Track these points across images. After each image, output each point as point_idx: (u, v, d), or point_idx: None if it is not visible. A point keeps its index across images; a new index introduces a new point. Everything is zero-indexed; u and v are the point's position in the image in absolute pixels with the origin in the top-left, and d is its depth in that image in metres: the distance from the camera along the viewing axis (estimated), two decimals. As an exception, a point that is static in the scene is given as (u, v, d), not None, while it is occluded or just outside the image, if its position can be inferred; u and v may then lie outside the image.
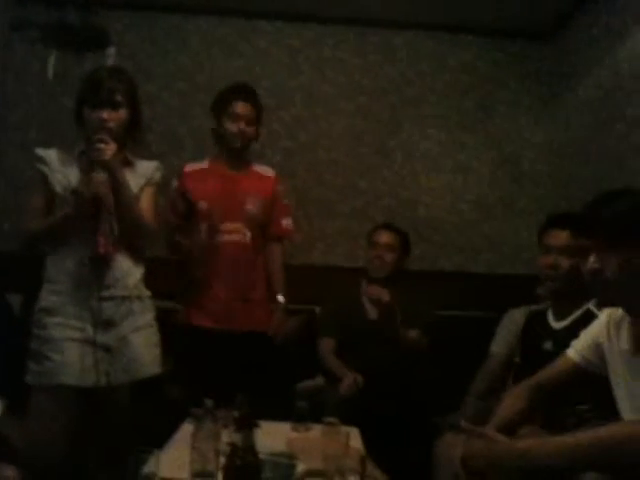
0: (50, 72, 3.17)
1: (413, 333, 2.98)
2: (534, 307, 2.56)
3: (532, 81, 3.91)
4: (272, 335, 2.84)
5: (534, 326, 2.42)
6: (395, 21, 3.83)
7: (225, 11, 3.78)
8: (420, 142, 3.87)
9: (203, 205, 2.79)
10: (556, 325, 2.28)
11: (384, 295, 3.02)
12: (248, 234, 2.80)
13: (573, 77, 3.57)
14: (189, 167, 2.91)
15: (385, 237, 3.16)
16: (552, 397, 1.94)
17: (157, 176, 2.37)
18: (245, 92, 2.87)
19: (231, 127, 2.81)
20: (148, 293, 2.32)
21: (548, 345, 2.24)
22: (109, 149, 2.10)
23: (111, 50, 3.00)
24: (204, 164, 2.92)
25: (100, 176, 2.08)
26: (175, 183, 2.88)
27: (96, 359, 2.11)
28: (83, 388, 2.11)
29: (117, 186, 2.13)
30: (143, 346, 2.24)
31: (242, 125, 2.80)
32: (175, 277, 2.88)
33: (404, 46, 3.89)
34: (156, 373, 2.29)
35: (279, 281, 2.91)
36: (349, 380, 2.83)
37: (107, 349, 2.15)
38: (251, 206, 2.82)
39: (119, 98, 2.18)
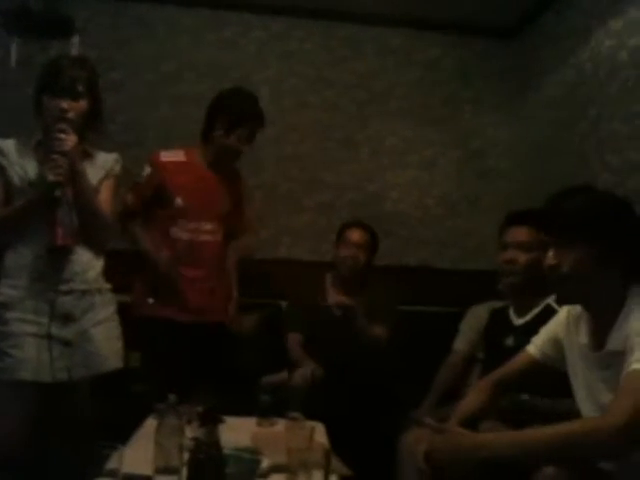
0: (13, 60, 3.09)
1: (377, 329, 2.99)
2: (497, 304, 2.60)
3: (497, 78, 3.95)
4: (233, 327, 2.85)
5: (496, 322, 2.46)
6: (363, 16, 3.83)
7: (192, 1, 3.74)
8: (386, 137, 3.89)
9: (179, 202, 2.71)
10: (517, 321, 2.32)
11: (348, 301, 3.00)
12: (221, 233, 2.79)
13: (538, 75, 3.62)
14: (165, 156, 2.79)
15: (357, 235, 3.12)
16: (512, 392, 1.99)
17: (117, 168, 2.32)
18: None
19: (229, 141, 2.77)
20: (108, 286, 2.29)
21: (509, 341, 2.28)
22: (70, 140, 2.05)
23: (76, 38, 2.94)
24: (180, 155, 2.81)
25: (57, 165, 2.03)
26: (148, 170, 2.78)
27: (56, 354, 2.08)
28: (43, 383, 2.07)
29: (76, 177, 2.09)
30: (104, 340, 2.21)
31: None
32: (135, 269, 2.83)
33: (371, 41, 3.90)
34: (118, 367, 2.26)
35: (235, 276, 2.97)
36: (304, 371, 2.83)
37: (67, 343, 2.12)
38: (226, 206, 2.81)
39: (80, 88, 2.12)
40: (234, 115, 2.74)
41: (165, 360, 2.63)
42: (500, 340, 2.32)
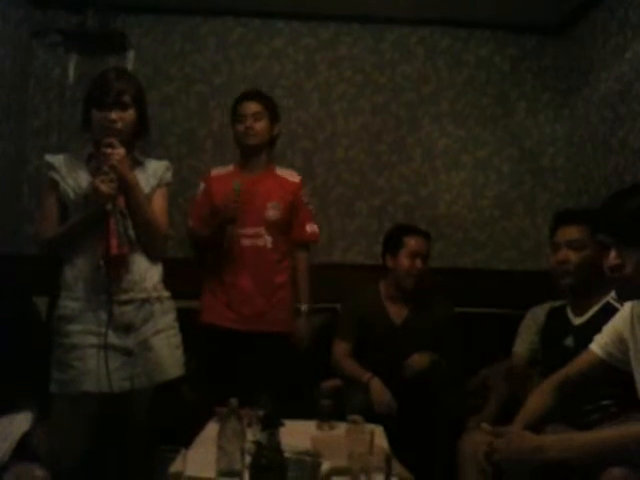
0: (71, 77, 3.19)
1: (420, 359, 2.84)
2: (555, 304, 2.55)
3: (550, 76, 3.88)
4: (296, 342, 2.86)
5: (554, 322, 2.42)
6: (411, 18, 3.82)
7: (241, 12, 3.79)
8: (438, 139, 3.86)
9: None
10: (575, 321, 2.27)
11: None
12: (269, 239, 2.80)
13: (591, 71, 3.54)
14: (215, 171, 2.95)
15: (421, 244, 2.96)
16: (577, 393, 1.95)
17: (168, 176, 2.36)
18: (249, 93, 2.93)
19: (238, 127, 2.85)
20: (167, 294, 2.31)
21: (569, 341, 2.23)
22: (117, 153, 2.10)
23: (131, 53, 3.03)
24: (229, 168, 2.94)
25: (109, 178, 2.08)
26: (202, 186, 2.93)
27: (117, 364, 2.12)
28: (106, 394, 2.10)
29: (127, 188, 2.13)
30: (165, 349, 2.23)
31: (249, 122, 2.81)
32: (195, 277, 2.90)
33: (420, 43, 3.88)
34: (178, 375, 2.28)
35: (303, 288, 2.92)
36: (389, 400, 2.70)
37: (128, 353, 2.15)
38: (272, 211, 2.82)
39: (126, 99, 2.17)
40: (231, 111, 2.93)
41: (224, 367, 2.68)
42: (559, 340, 2.28)
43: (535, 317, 2.77)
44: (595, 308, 2.20)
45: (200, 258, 2.95)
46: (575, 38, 3.75)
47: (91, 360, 2.10)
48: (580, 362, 1.88)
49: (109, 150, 2.10)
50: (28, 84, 3.63)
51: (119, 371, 2.12)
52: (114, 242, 2.10)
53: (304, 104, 3.79)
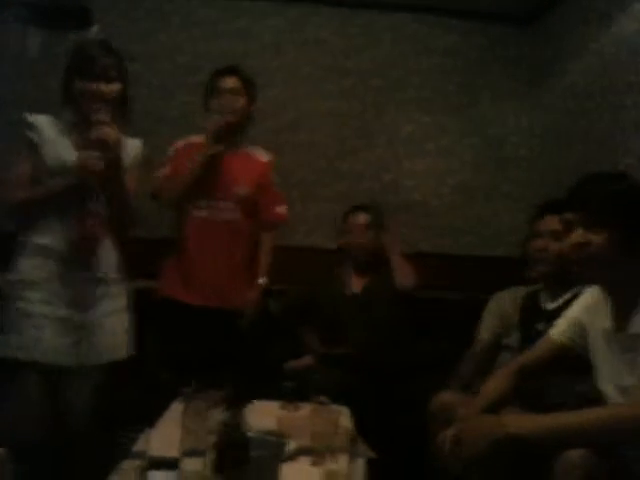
0: (33, 51, 3.11)
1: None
2: (521, 290, 2.60)
3: (516, 65, 3.92)
4: (244, 314, 2.81)
5: (528, 307, 2.47)
6: (379, 3, 3.81)
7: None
8: (403, 125, 3.87)
9: None
10: (548, 306, 2.32)
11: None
12: (237, 215, 2.78)
13: (558, 62, 3.58)
14: (195, 137, 2.85)
15: (361, 218, 3.21)
16: (535, 378, 1.98)
17: (144, 153, 2.36)
18: (230, 68, 2.86)
19: (216, 102, 2.79)
20: (123, 276, 2.30)
21: (540, 326, 2.27)
22: (113, 130, 2.07)
23: (94, 29, 2.95)
24: (199, 138, 2.82)
25: (96, 154, 2.04)
26: (174, 147, 2.87)
27: (72, 339, 2.11)
28: (57, 366, 2.09)
29: (114, 169, 2.10)
30: (116, 329, 2.23)
31: (227, 98, 2.77)
32: (153, 256, 2.85)
33: (388, 28, 3.87)
34: (127, 356, 2.27)
35: (265, 264, 2.89)
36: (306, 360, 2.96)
37: (80, 329, 2.13)
38: (241, 188, 2.79)
39: (113, 72, 2.15)
40: (206, 86, 2.86)
41: (186, 344, 2.65)
42: (532, 324, 2.33)
43: (499, 302, 2.81)
44: (568, 295, 2.24)
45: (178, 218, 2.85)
46: (542, 29, 3.79)
47: (48, 331, 2.08)
48: (539, 348, 1.91)
49: (105, 127, 2.06)
50: (-14, 56, 3.52)
51: (69, 346, 2.11)
52: (90, 221, 2.09)
53: (270, 84, 3.73)
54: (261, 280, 2.86)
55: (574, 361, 1.85)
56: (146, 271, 2.70)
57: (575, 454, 1.51)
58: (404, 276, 3.07)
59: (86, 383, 2.20)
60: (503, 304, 2.75)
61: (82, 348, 2.13)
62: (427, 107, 3.88)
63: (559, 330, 1.87)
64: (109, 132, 2.06)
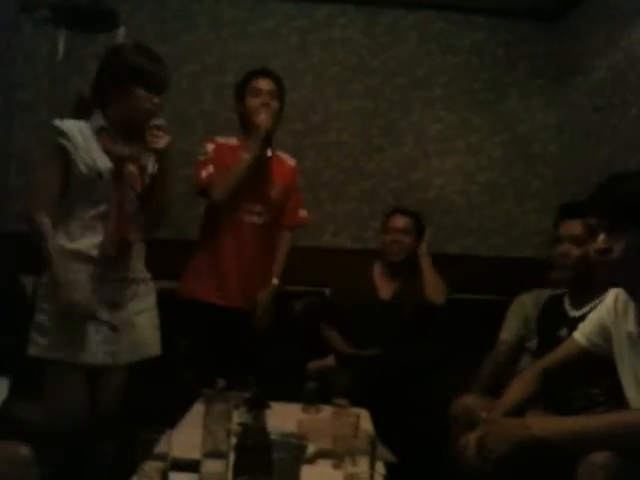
0: (60, 53, 3.15)
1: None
2: (544, 292, 2.56)
3: (543, 62, 3.88)
4: (257, 315, 2.80)
5: (551, 311, 2.41)
6: (405, 1, 3.79)
7: (234, -8, 3.76)
8: (430, 124, 3.86)
9: None
10: (572, 313, 2.26)
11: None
12: (267, 218, 2.78)
13: (585, 58, 3.54)
14: (221, 139, 2.83)
15: (401, 222, 3.15)
16: (559, 381, 1.96)
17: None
18: (264, 70, 2.83)
19: (253, 102, 2.75)
20: (150, 275, 2.31)
21: (563, 332, 2.22)
22: (165, 138, 2.10)
23: (121, 31, 2.98)
24: (233, 140, 2.83)
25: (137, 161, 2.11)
26: (210, 146, 2.78)
27: (110, 339, 2.12)
28: (91, 366, 2.11)
29: (162, 176, 2.16)
30: (147, 327, 2.26)
31: (265, 99, 2.73)
32: (178, 258, 2.86)
33: (414, 27, 3.86)
34: (157, 354, 2.29)
35: (279, 264, 2.90)
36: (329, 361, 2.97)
37: (113, 329, 2.14)
38: (273, 191, 2.79)
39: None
40: (239, 84, 2.83)
41: (209, 346, 2.67)
42: (554, 330, 2.28)
43: (522, 305, 2.78)
44: (593, 303, 2.19)
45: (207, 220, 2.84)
46: (569, 25, 3.74)
47: (85, 331, 2.09)
48: (562, 350, 1.89)
49: (160, 133, 2.09)
50: (16, 59, 3.58)
51: (107, 346, 2.13)
52: (131, 227, 2.14)
53: (297, 86, 3.74)
54: (275, 280, 2.87)
55: (598, 364, 1.82)
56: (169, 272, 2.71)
57: (599, 457, 1.49)
58: (435, 294, 3.06)
59: (121, 381, 2.23)
60: (526, 306, 2.72)
61: (119, 347, 2.15)
62: (454, 105, 3.86)
63: (583, 332, 1.84)
64: (162, 137, 2.10)
